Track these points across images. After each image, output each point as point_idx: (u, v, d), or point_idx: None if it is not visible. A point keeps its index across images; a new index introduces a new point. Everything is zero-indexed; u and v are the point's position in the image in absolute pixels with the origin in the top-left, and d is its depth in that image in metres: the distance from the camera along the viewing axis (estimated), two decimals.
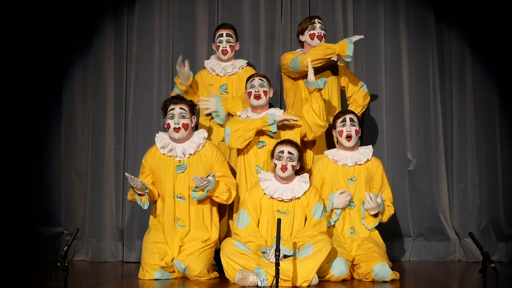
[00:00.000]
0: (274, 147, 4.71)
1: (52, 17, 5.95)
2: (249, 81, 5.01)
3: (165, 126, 4.87)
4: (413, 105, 6.00)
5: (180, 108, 4.80)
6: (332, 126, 5.05)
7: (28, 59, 5.92)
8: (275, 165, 4.65)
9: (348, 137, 4.89)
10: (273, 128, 4.84)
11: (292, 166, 4.64)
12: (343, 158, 4.93)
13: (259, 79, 4.98)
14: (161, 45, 5.99)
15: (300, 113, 5.06)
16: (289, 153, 4.63)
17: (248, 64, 5.51)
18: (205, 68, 5.48)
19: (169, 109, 4.82)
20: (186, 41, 5.97)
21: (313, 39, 5.29)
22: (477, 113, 5.98)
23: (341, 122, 4.93)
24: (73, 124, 6.00)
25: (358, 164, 4.93)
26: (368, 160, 4.95)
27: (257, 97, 4.95)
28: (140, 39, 5.98)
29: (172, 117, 4.80)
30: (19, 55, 5.92)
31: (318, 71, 5.16)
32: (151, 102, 5.91)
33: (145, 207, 4.83)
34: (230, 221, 5.01)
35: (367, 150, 5.01)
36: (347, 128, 4.90)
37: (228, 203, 4.90)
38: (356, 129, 4.91)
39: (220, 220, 5.04)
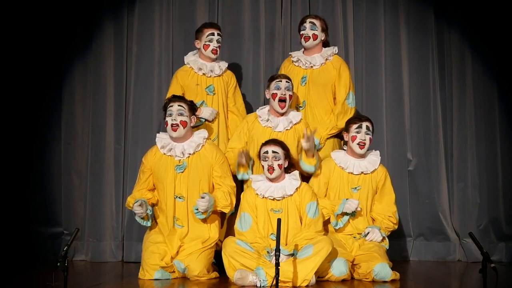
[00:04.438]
0: (260, 149, 4.72)
1: (52, 17, 5.95)
2: (274, 81, 4.95)
3: (165, 125, 4.87)
4: (413, 105, 6.00)
5: (178, 105, 4.80)
6: (344, 129, 4.98)
7: (28, 59, 5.92)
8: (262, 166, 4.66)
9: (361, 145, 4.86)
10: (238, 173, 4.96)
11: (279, 165, 4.63)
12: (350, 165, 4.89)
13: (286, 81, 4.95)
14: (161, 45, 5.99)
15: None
16: (274, 152, 4.62)
17: (232, 65, 5.49)
18: (186, 64, 5.35)
19: (168, 107, 4.83)
20: (186, 41, 5.97)
21: (301, 39, 5.29)
22: (477, 113, 5.98)
23: (356, 128, 4.86)
24: (73, 124, 6.00)
25: (364, 174, 4.91)
26: (375, 169, 4.93)
27: (283, 101, 4.93)
28: (140, 39, 5.98)
29: (171, 115, 4.80)
30: (20, 55, 5.91)
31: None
32: (151, 102, 5.92)
33: (148, 225, 4.84)
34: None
35: (375, 158, 4.95)
36: (362, 136, 4.84)
37: (228, 210, 4.89)
38: (370, 137, 4.88)
39: (222, 222, 5.04)
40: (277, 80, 4.95)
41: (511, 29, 5.92)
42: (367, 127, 4.86)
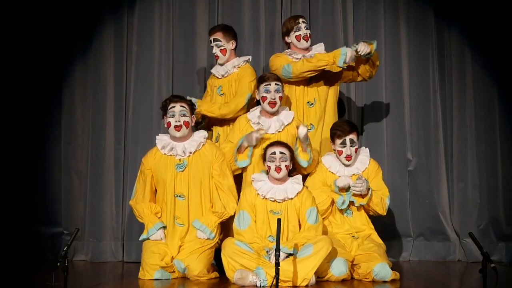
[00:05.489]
0: (265, 150, 4.70)
1: (52, 17, 5.95)
2: (263, 84, 4.95)
3: (165, 125, 4.87)
4: (413, 105, 6.00)
5: (181, 106, 4.81)
6: (330, 137, 4.98)
7: (28, 59, 5.92)
8: (269, 167, 4.64)
9: (348, 158, 4.88)
10: (236, 160, 4.92)
11: (286, 166, 4.64)
12: (341, 169, 4.92)
13: (276, 84, 4.93)
14: (161, 45, 5.99)
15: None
16: (281, 153, 4.62)
17: (249, 61, 5.40)
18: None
19: (169, 107, 4.82)
20: (186, 41, 5.97)
21: (299, 41, 5.26)
22: (477, 113, 5.98)
23: (341, 144, 4.87)
24: (73, 124, 6.00)
25: (356, 175, 4.91)
26: (366, 168, 4.94)
27: (273, 104, 4.93)
28: (140, 39, 5.98)
29: (173, 115, 4.80)
30: (20, 55, 5.92)
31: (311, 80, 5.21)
32: (151, 102, 5.91)
33: (140, 239, 4.89)
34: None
35: (364, 157, 4.98)
36: (347, 151, 4.86)
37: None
38: (355, 148, 4.89)
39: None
40: (266, 83, 4.94)
41: (511, 29, 5.92)
42: (351, 141, 4.87)
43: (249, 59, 5.39)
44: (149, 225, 4.83)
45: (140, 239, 4.89)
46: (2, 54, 5.87)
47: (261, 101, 4.99)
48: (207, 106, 5.23)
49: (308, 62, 5.09)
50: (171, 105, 4.82)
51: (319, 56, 5.12)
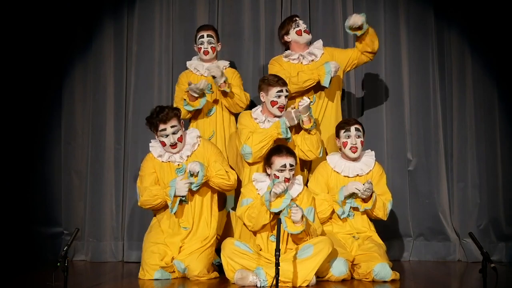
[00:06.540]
0: (272, 158, 4.62)
1: (52, 17, 5.96)
2: (275, 89, 4.91)
3: (161, 144, 4.83)
4: (413, 105, 6.00)
5: (172, 127, 4.77)
6: (336, 134, 4.99)
7: (28, 59, 5.92)
8: (276, 176, 4.57)
9: (353, 149, 4.86)
10: (286, 134, 4.83)
11: (293, 175, 4.63)
12: (345, 168, 4.90)
13: (286, 90, 4.96)
14: (161, 45, 5.99)
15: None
16: (291, 165, 4.59)
17: (231, 65, 5.47)
18: (187, 69, 5.45)
19: (160, 129, 4.78)
20: (186, 41, 5.97)
21: (301, 35, 5.29)
22: (477, 113, 5.98)
23: (345, 133, 4.87)
24: (73, 124, 6.00)
25: (359, 176, 4.91)
26: (370, 170, 4.93)
27: (282, 108, 4.94)
28: (140, 39, 5.98)
29: (166, 136, 4.78)
30: (20, 55, 5.92)
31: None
32: (151, 102, 5.90)
33: (173, 212, 4.76)
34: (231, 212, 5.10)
35: (370, 159, 4.96)
36: (352, 141, 4.85)
37: (230, 184, 4.83)
38: (361, 140, 4.87)
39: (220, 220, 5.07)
40: (279, 89, 4.92)
41: (511, 29, 5.92)
42: (357, 129, 4.86)
43: (229, 63, 5.47)
44: (166, 191, 4.72)
45: (172, 213, 4.75)
46: (2, 54, 5.87)
47: (269, 104, 4.95)
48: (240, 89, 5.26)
49: (294, 84, 5.15)
50: (162, 127, 4.77)
51: (304, 77, 5.15)
